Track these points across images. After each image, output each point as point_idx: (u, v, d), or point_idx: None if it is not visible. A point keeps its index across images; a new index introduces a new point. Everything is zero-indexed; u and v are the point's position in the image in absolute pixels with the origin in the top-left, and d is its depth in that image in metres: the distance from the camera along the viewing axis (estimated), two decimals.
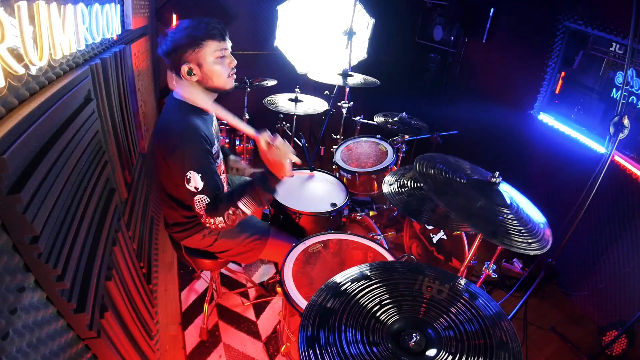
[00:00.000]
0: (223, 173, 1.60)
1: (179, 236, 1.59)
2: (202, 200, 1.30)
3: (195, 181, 1.27)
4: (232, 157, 1.85)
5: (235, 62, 1.37)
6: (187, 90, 1.36)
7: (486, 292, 0.96)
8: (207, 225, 1.35)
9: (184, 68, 1.29)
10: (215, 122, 1.55)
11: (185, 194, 1.30)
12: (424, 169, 1.27)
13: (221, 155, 1.56)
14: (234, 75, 1.39)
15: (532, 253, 1.08)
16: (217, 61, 1.31)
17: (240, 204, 1.31)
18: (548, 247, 1.13)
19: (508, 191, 1.30)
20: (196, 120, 1.33)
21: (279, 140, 1.30)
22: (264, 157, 1.31)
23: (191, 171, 1.26)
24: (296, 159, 1.35)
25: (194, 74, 1.30)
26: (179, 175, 1.27)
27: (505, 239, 1.08)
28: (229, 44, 1.35)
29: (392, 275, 0.99)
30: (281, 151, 1.29)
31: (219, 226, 1.34)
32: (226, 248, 1.64)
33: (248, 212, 1.33)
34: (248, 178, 1.75)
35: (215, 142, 1.45)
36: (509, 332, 0.83)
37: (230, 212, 1.31)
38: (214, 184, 1.31)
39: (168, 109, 1.38)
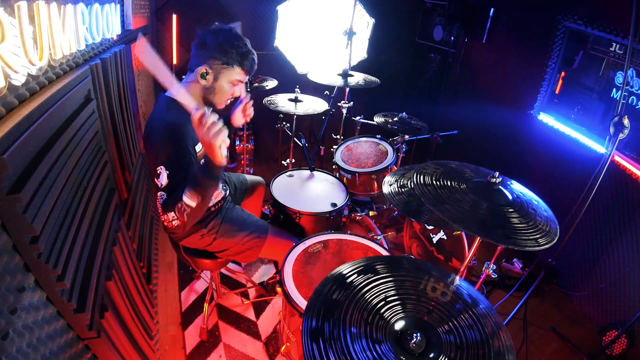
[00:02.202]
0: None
1: (177, 236, 1.59)
2: (161, 197, 1.25)
3: (162, 177, 1.24)
4: None
5: (238, 95, 1.45)
6: (187, 89, 1.38)
7: (484, 294, 0.96)
8: (165, 223, 1.26)
9: (203, 69, 1.32)
10: None
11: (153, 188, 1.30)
12: (423, 180, 1.28)
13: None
14: (229, 102, 1.47)
15: (541, 249, 1.07)
16: (229, 85, 1.39)
17: (184, 197, 1.20)
18: (555, 240, 1.12)
19: (512, 187, 1.30)
20: (182, 117, 1.31)
21: (211, 118, 1.11)
22: (198, 135, 1.16)
23: (162, 166, 1.24)
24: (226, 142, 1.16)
25: (205, 80, 1.35)
26: (153, 169, 1.27)
27: (517, 240, 1.07)
28: (247, 78, 1.42)
29: (399, 271, 0.99)
30: (210, 131, 1.11)
31: (173, 223, 1.24)
32: (225, 247, 1.64)
33: (192, 204, 1.20)
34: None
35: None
36: (506, 343, 0.83)
37: (180, 206, 1.21)
38: (175, 185, 1.24)
39: (158, 107, 1.40)
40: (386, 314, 0.87)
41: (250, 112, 1.62)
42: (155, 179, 1.26)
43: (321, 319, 0.83)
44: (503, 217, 1.15)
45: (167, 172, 1.23)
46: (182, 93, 1.34)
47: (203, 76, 1.33)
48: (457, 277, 1.00)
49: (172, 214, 1.22)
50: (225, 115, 1.63)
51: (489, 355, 0.80)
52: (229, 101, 1.46)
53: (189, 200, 1.20)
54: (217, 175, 1.21)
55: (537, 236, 1.10)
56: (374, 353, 0.78)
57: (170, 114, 1.33)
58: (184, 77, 1.44)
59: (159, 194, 1.25)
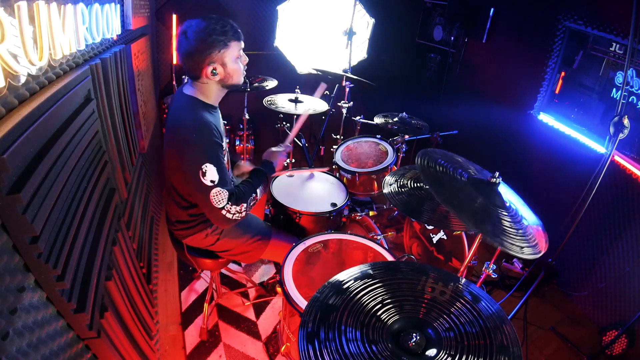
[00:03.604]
0: (229, 169, 1.62)
1: (182, 234, 1.59)
2: (220, 194, 1.30)
3: (212, 174, 1.28)
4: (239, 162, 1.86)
5: (247, 60, 1.43)
6: (202, 89, 1.38)
7: (486, 293, 0.96)
8: (229, 216, 1.34)
9: (209, 68, 1.31)
10: (221, 119, 1.57)
11: (196, 188, 1.29)
12: (426, 163, 1.28)
13: (227, 152, 1.59)
14: (245, 72, 1.45)
15: (524, 257, 1.08)
16: (237, 60, 1.37)
17: (258, 191, 1.45)
18: (539, 254, 1.12)
19: (506, 192, 1.30)
20: (208, 115, 1.37)
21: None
22: (276, 154, 1.59)
23: (207, 164, 1.27)
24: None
25: (218, 74, 1.33)
26: (194, 169, 1.27)
27: (502, 240, 1.07)
28: (243, 43, 1.40)
29: (395, 275, 0.99)
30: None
31: (240, 215, 1.37)
32: (228, 247, 1.64)
33: (259, 197, 1.48)
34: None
35: (223, 139, 1.47)
36: (510, 336, 0.83)
37: (253, 197, 1.42)
38: (227, 177, 1.34)
39: (179, 106, 1.39)
40: (383, 316, 0.88)
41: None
42: (201, 178, 1.27)
43: (317, 323, 0.84)
44: (495, 215, 1.16)
45: (215, 167, 1.28)
46: (198, 93, 1.39)
47: (214, 73, 1.32)
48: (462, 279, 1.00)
49: (245, 205, 1.38)
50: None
51: (491, 347, 0.80)
52: (245, 72, 1.45)
53: (259, 195, 1.47)
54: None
55: (523, 245, 1.10)
56: (370, 353, 0.78)
57: (198, 112, 1.34)
58: (185, 86, 1.43)
59: (215, 190, 1.29)
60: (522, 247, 1.08)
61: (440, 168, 1.27)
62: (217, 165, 1.29)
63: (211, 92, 1.40)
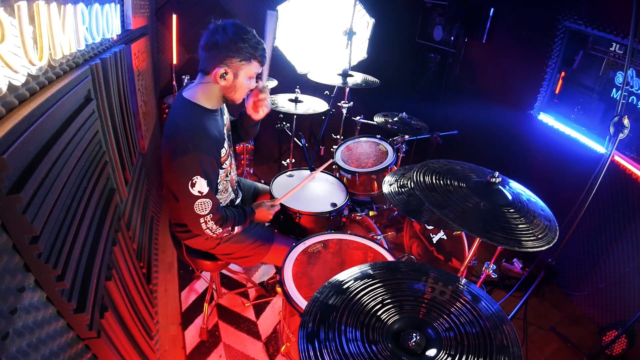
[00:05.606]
0: (232, 171, 1.60)
1: (183, 236, 1.59)
2: (205, 203, 1.33)
3: (201, 186, 1.30)
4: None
5: (254, 87, 1.44)
6: (205, 89, 1.35)
7: (486, 293, 0.96)
8: (204, 227, 1.37)
9: (220, 70, 1.28)
10: (226, 117, 1.55)
11: (182, 194, 1.30)
12: (422, 180, 1.28)
13: (232, 156, 1.57)
14: (245, 96, 1.47)
15: (544, 248, 1.08)
16: (248, 80, 1.37)
17: (236, 227, 1.51)
18: (557, 236, 1.13)
19: (513, 188, 1.31)
20: (207, 122, 1.34)
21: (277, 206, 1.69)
22: (265, 210, 1.63)
23: (198, 176, 1.28)
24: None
25: (225, 80, 1.31)
26: (184, 178, 1.27)
27: (517, 241, 1.08)
28: (262, 70, 1.42)
29: (395, 276, 0.99)
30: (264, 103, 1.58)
31: (214, 233, 1.42)
32: (229, 252, 1.64)
33: (234, 234, 1.55)
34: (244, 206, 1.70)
35: (226, 143, 1.46)
36: (510, 336, 0.83)
37: (229, 229, 1.47)
38: (213, 191, 1.36)
39: (178, 110, 1.36)
40: (383, 316, 0.88)
41: (263, 103, 1.58)
42: (189, 188, 1.28)
43: (317, 323, 0.84)
44: (503, 217, 1.15)
45: (205, 180, 1.30)
46: (200, 94, 1.36)
47: (223, 76, 1.30)
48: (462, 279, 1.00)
49: (221, 230, 1.42)
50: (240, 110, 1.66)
51: (491, 347, 0.80)
52: (246, 95, 1.45)
53: (235, 231, 1.52)
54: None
55: (540, 235, 1.11)
56: (370, 353, 0.78)
57: (196, 119, 1.32)
58: (186, 79, 1.43)
59: (200, 200, 1.32)
60: (537, 236, 1.10)
61: (440, 181, 1.28)
62: (208, 178, 1.31)
63: (213, 96, 1.36)
